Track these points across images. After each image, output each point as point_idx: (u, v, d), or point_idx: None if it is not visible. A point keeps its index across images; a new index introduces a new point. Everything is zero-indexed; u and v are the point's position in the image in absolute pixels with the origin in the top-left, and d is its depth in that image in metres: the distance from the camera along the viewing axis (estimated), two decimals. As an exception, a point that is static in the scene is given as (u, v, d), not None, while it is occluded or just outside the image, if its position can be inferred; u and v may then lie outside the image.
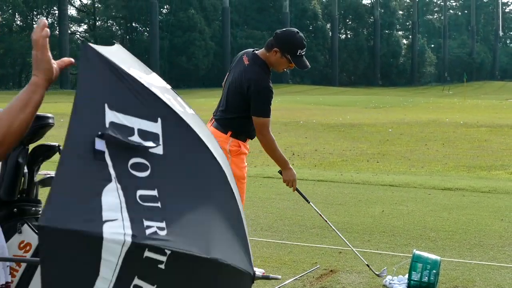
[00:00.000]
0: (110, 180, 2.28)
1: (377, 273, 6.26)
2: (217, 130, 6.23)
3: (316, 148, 18.84)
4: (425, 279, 5.90)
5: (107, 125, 2.36)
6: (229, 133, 6.20)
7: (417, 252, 6.10)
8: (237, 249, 2.67)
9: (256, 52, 6.30)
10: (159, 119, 2.55)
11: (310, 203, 6.62)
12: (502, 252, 7.21)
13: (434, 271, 5.91)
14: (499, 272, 6.51)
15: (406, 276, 6.07)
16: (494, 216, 9.08)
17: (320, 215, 6.71)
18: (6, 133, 2.36)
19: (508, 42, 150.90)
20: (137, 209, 2.30)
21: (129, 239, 2.22)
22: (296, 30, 6.26)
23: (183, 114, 2.74)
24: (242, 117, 6.19)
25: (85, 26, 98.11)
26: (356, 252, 6.59)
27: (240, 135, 6.24)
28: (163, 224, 2.33)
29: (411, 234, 8.01)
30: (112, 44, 2.81)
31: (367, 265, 6.36)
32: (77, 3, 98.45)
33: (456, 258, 6.96)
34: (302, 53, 6.15)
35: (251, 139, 6.39)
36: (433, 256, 6.10)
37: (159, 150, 2.47)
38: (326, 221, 6.75)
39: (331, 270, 6.54)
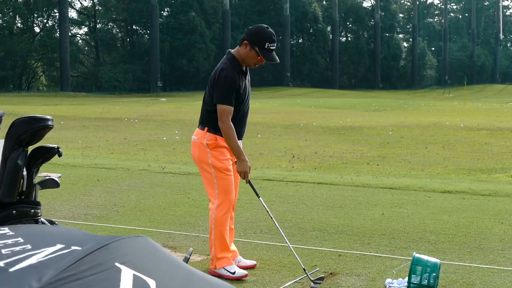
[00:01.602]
0: None
1: (312, 279, 6.22)
2: (198, 128, 6.53)
3: (316, 150, 18.83)
4: (425, 282, 5.89)
5: None
6: (206, 128, 6.47)
7: (417, 255, 6.09)
8: None
9: (230, 50, 6.56)
10: None
11: (260, 198, 6.69)
12: (502, 255, 7.20)
13: (434, 274, 5.90)
14: (499, 275, 6.50)
15: (406, 279, 6.06)
16: (494, 219, 9.06)
17: (268, 212, 6.73)
18: None
19: (508, 45, 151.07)
20: None
21: None
22: (266, 25, 6.52)
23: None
24: (214, 110, 6.40)
25: (85, 29, 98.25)
26: (293, 250, 6.61)
27: (216, 129, 6.41)
28: None
29: (411, 237, 8.00)
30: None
31: (303, 269, 6.32)
32: (78, 5, 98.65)
33: (456, 261, 6.95)
34: (271, 47, 6.37)
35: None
36: (433, 259, 6.09)
37: None
38: (272, 218, 6.76)
39: (331, 273, 6.53)
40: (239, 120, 6.52)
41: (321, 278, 6.23)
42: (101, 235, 2.28)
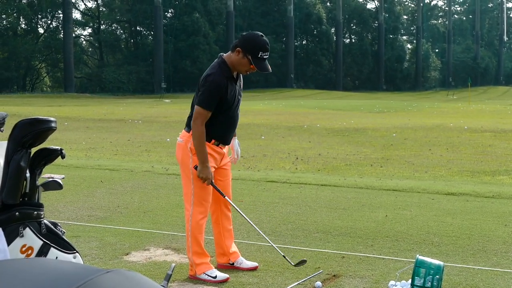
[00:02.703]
0: None
1: (293, 264, 6.31)
2: (184, 131, 6.52)
3: (320, 152, 18.82)
4: (428, 284, 5.88)
5: None
6: (191, 132, 6.39)
7: (420, 257, 6.08)
8: None
9: (223, 54, 6.53)
10: None
11: (226, 197, 6.67)
12: (506, 257, 7.19)
13: (437, 276, 5.89)
14: (502, 277, 6.49)
15: (409, 281, 6.05)
16: (498, 222, 9.05)
17: (238, 210, 6.76)
18: None
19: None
20: None
21: None
22: (261, 33, 6.43)
23: None
24: None
25: (89, 30, 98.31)
26: (275, 246, 6.66)
27: None
28: None
29: (414, 239, 7.99)
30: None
31: (283, 256, 6.40)
32: (82, 6, 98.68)
33: (460, 263, 6.94)
34: (264, 56, 6.30)
35: (221, 142, 6.54)
36: (436, 262, 6.07)
37: None
38: (244, 217, 6.78)
39: (334, 275, 6.52)
40: (228, 126, 6.51)
41: (304, 261, 6.29)
42: (75, 267, 2.14)
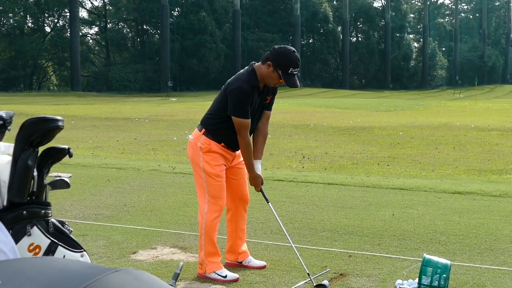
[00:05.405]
0: None
1: (315, 283, 6.19)
2: (197, 129, 6.58)
3: (327, 151, 18.81)
4: (435, 283, 5.87)
5: None
6: (203, 131, 6.49)
7: (427, 256, 6.07)
8: None
9: (254, 63, 6.53)
10: None
11: (269, 204, 6.72)
12: (513, 256, 7.18)
13: (444, 275, 5.88)
14: (509, 276, 6.48)
15: (416, 280, 6.05)
16: (505, 220, 9.03)
17: (277, 218, 6.80)
18: None
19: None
20: None
21: None
22: (293, 49, 6.44)
23: None
24: (215, 116, 6.47)
25: (96, 28, 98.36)
26: (297, 252, 6.62)
27: (212, 134, 6.44)
28: None
29: (421, 238, 7.98)
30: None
31: (308, 274, 6.27)
32: (88, 5, 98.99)
33: (467, 262, 6.93)
34: (294, 72, 6.32)
35: (230, 148, 6.54)
36: (443, 260, 6.07)
37: None
38: (280, 224, 6.80)
39: (341, 274, 6.52)
40: (236, 135, 6.51)
41: (323, 286, 6.19)
42: (83, 266, 2.14)
